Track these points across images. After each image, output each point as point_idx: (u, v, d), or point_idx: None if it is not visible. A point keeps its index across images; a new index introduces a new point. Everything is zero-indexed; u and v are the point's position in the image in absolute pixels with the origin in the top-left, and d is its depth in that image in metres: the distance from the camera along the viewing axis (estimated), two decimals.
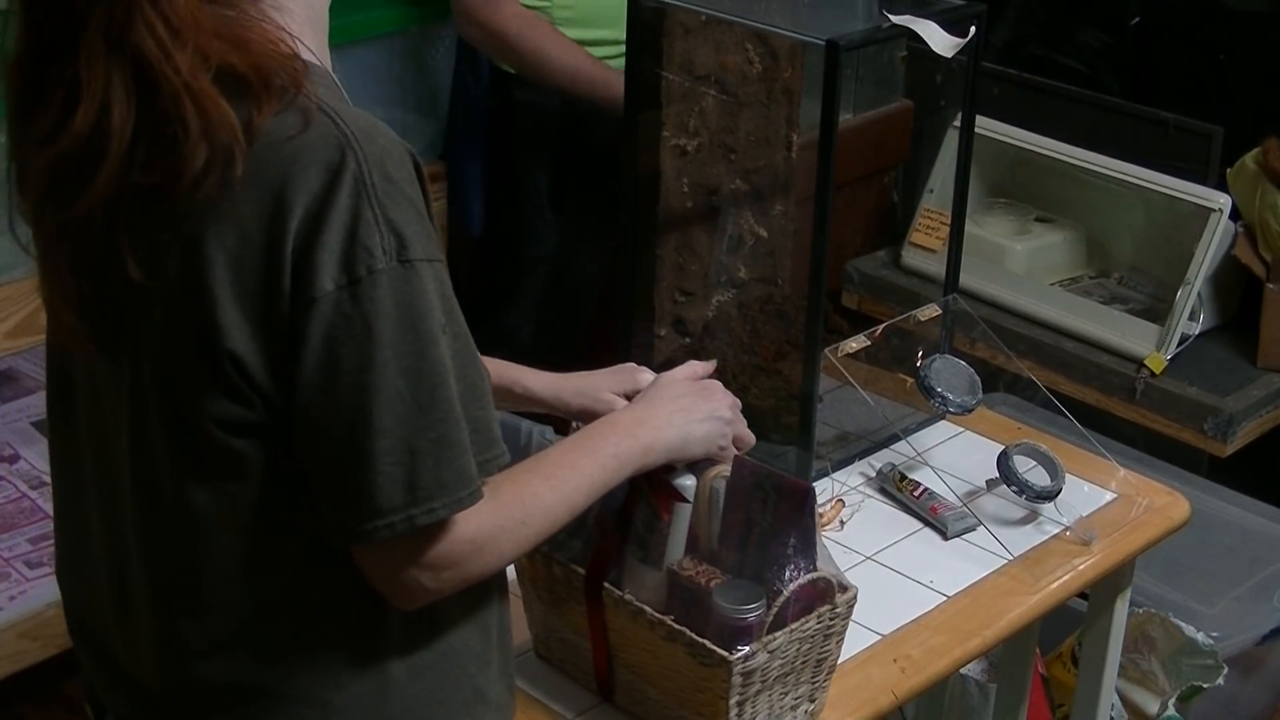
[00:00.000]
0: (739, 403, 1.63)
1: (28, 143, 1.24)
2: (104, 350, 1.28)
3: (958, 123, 2.27)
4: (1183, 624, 2.54)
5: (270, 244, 1.18)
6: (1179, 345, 2.99)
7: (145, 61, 1.16)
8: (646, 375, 1.67)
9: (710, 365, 1.66)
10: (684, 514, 1.54)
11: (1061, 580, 1.85)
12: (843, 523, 1.94)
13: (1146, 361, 2.98)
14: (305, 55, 1.25)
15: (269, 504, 1.26)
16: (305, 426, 1.21)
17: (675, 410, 1.53)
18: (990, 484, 1.99)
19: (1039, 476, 1.96)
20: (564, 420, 1.74)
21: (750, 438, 1.62)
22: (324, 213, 1.17)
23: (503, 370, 1.66)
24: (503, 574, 1.41)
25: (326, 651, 1.30)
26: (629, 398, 1.64)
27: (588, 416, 1.57)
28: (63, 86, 1.19)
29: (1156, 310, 3.03)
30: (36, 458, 2.64)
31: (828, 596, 1.52)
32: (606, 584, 1.54)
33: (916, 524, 1.95)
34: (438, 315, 1.21)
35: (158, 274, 1.22)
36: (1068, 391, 2.94)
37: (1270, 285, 2.99)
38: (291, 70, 1.20)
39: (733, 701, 1.48)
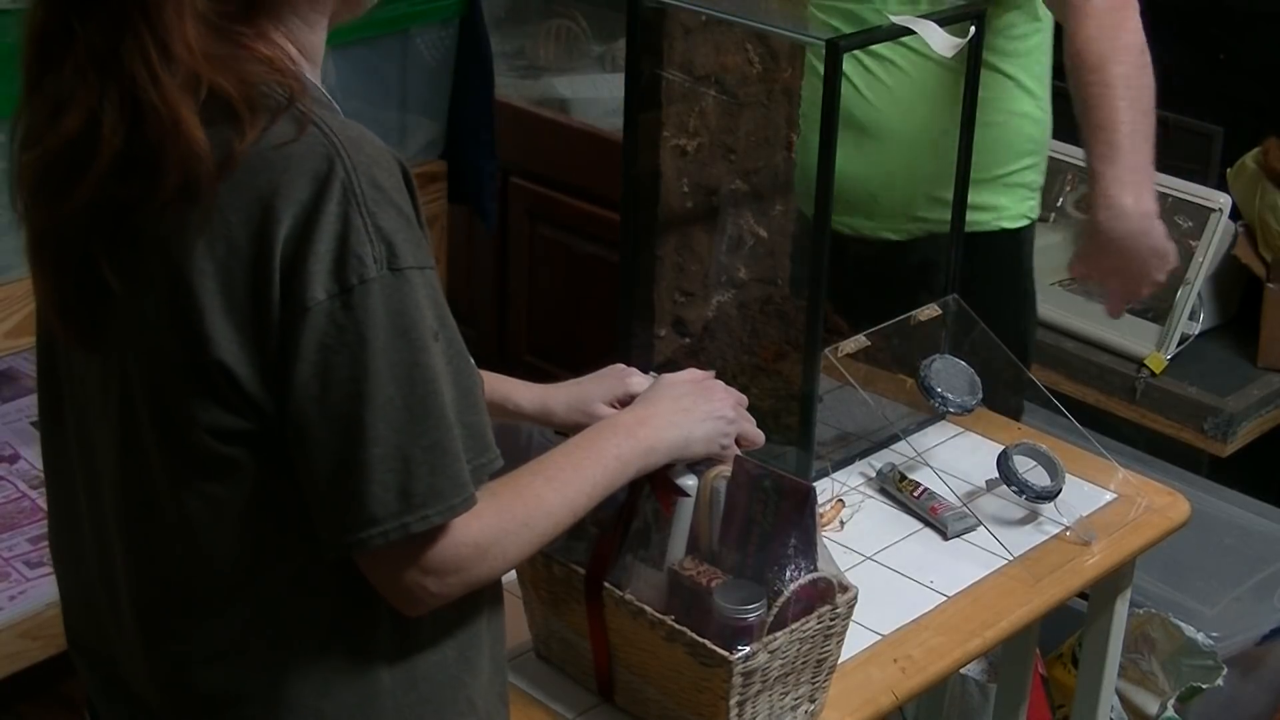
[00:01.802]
0: (744, 400, 1.62)
1: (22, 135, 1.25)
2: (86, 349, 1.28)
3: None
4: (1183, 624, 2.54)
5: (259, 253, 1.17)
6: (1179, 345, 2.99)
7: (133, 81, 1.16)
8: (636, 379, 1.66)
9: (710, 374, 1.65)
10: (685, 513, 1.54)
11: (1061, 580, 1.85)
12: (843, 523, 1.94)
13: (1146, 361, 2.98)
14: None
15: (260, 511, 1.25)
16: (298, 435, 1.21)
17: (677, 410, 1.53)
18: (990, 484, 1.99)
19: (1039, 476, 1.96)
20: None
21: (758, 436, 1.62)
22: (313, 222, 1.17)
23: (494, 384, 1.65)
24: (496, 582, 1.40)
25: (316, 659, 1.29)
26: (621, 404, 1.63)
27: (578, 430, 1.56)
28: (57, 85, 1.19)
29: (1156, 310, 3.03)
30: (36, 457, 2.64)
31: (828, 597, 1.52)
32: (606, 584, 1.54)
33: (916, 524, 1.95)
34: (429, 322, 1.21)
35: (139, 283, 1.22)
36: (1068, 391, 2.95)
37: (1270, 285, 2.99)
38: (287, 85, 1.20)
39: (733, 702, 1.48)
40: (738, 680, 1.46)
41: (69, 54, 1.18)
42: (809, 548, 1.50)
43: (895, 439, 2.08)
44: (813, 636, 1.51)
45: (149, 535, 1.30)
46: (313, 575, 1.27)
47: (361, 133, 1.22)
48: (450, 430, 1.22)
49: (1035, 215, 2.42)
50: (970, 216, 2.21)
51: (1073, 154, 3.11)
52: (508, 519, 1.30)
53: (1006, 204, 2.35)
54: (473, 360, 1.31)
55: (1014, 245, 2.39)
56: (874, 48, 2.23)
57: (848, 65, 2.29)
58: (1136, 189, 2.07)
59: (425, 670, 1.33)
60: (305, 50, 1.28)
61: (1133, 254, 2.09)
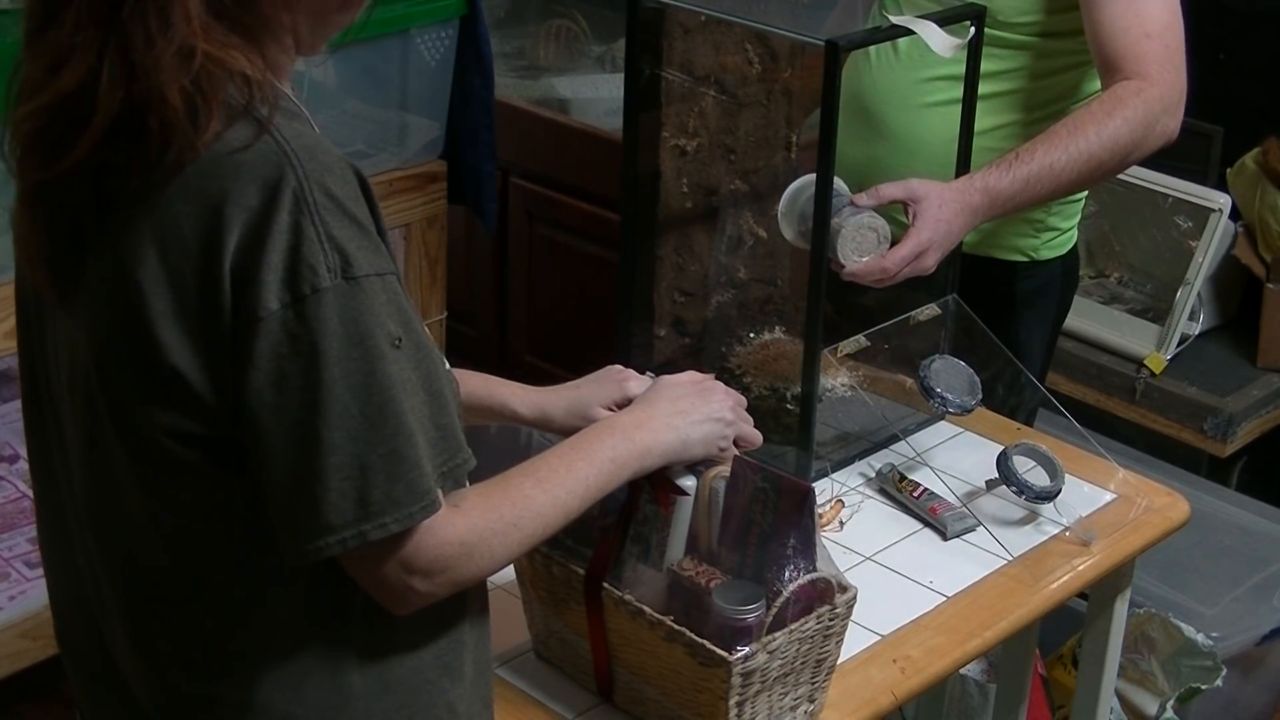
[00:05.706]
0: (744, 401, 1.62)
1: (19, 85, 1.23)
2: (65, 309, 1.27)
3: None
4: (1182, 625, 2.54)
5: (208, 260, 1.17)
6: (1179, 345, 3.00)
7: (130, 44, 1.15)
8: (634, 382, 1.64)
9: (709, 375, 1.65)
10: (684, 513, 1.54)
11: (1061, 580, 1.85)
12: (842, 523, 1.94)
13: (1146, 361, 2.98)
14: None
15: (222, 514, 1.25)
16: (254, 444, 1.20)
17: (674, 412, 1.52)
18: (990, 484, 1.99)
19: (1039, 477, 1.96)
20: None
21: (756, 437, 1.62)
22: (265, 231, 1.16)
23: (490, 389, 1.65)
24: (481, 585, 1.40)
25: (285, 662, 1.29)
26: (619, 407, 1.61)
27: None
28: (57, 38, 1.17)
29: (1156, 310, 3.03)
30: None
31: (827, 597, 1.52)
32: (606, 584, 1.54)
33: (916, 524, 1.95)
34: (387, 329, 1.20)
35: (102, 277, 1.21)
36: (1068, 391, 2.95)
37: (1270, 285, 3.00)
38: (253, 91, 1.19)
39: (732, 702, 1.48)
40: (737, 680, 1.46)
41: (70, 6, 1.17)
42: (808, 548, 1.50)
43: (895, 439, 2.08)
44: (812, 637, 1.51)
45: (117, 537, 1.30)
46: (278, 578, 1.27)
47: (317, 141, 1.22)
48: (410, 438, 1.21)
49: (1038, 257, 2.31)
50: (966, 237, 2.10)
51: None
52: (495, 519, 1.30)
53: (994, 229, 2.25)
54: (446, 363, 1.30)
55: (1004, 279, 2.30)
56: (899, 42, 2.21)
57: (865, 56, 2.30)
58: (974, 211, 2.00)
59: (400, 675, 1.32)
60: (275, 69, 1.27)
61: (924, 226, 1.96)
